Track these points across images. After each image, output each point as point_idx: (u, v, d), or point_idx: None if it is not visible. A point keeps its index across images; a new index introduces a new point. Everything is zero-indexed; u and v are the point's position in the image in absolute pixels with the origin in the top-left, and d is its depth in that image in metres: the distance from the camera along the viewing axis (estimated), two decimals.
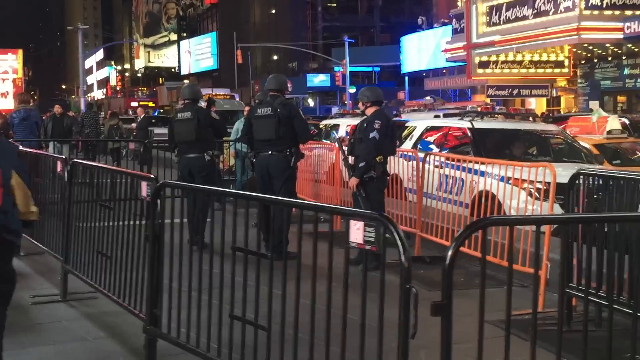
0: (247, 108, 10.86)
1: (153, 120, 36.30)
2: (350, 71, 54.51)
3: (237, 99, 40.86)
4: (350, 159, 8.70)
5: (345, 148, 9.01)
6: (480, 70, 32.15)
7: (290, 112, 9.09)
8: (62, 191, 7.18)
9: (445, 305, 3.22)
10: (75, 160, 7.34)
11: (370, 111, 8.58)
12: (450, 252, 3.27)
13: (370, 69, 63.92)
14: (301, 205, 4.03)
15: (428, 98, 30.54)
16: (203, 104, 10.72)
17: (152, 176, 5.35)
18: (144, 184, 5.32)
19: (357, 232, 3.44)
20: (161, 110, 74.37)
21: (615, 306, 5.08)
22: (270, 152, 9.05)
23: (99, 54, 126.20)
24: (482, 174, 9.09)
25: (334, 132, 10.83)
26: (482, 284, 3.40)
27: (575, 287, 6.04)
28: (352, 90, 50.26)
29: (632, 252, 5.51)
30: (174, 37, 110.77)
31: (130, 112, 50.91)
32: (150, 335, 5.06)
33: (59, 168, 7.25)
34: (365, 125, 8.45)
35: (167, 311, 4.98)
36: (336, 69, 57.65)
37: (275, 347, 4.05)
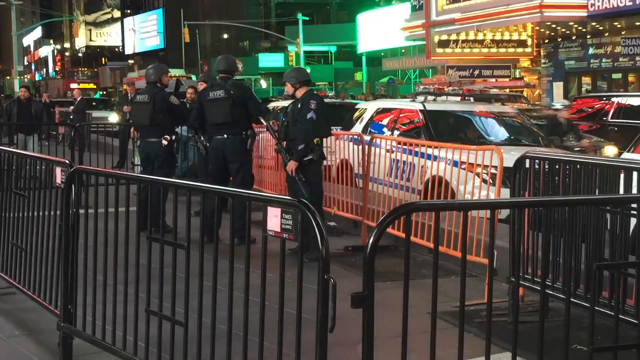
0: (201, 85, 10.80)
1: (94, 103, 36.02)
2: (304, 51, 54.38)
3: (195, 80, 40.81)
4: (284, 144, 8.68)
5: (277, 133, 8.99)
6: (439, 50, 32.21)
7: (244, 94, 9.30)
8: None
9: (367, 296, 3.19)
10: None
11: (301, 92, 8.60)
12: (371, 240, 3.24)
13: (326, 48, 63.84)
14: (213, 191, 3.97)
15: (451, 73, 28.19)
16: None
17: (67, 161, 5.24)
18: (58, 170, 5.22)
19: (274, 219, 3.39)
20: (103, 93, 73.58)
21: (574, 300, 5.14)
22: (225, 136, 9.19)
23: (37, 32, 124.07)
24: (433, 158, 9.10)
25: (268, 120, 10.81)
26: (406, 273, 3.38)
27: (522, 277, 6.07)
28: (308, 70, 50.09)
29: (588, 239, 5.57)
30: (117, 14, 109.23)
31: (69, 95, 50.18)
32: (64, 332, 4.98)
33: None
34: (299, 106, 8.44)
35: (83, 307, 4.90)
36: (290, 48, 57.43)
37: (194, 343, 4.01)
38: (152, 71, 10.38)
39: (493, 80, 29.74)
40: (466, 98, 12.71)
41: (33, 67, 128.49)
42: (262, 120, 9.98)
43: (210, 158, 9.50)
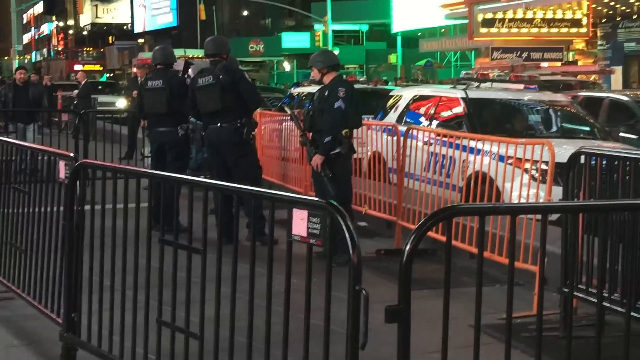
0: None
1: (100, 87, 36.25)
2: (333, 30, 54.27)
3: None
4: (309, 135, 8.69)
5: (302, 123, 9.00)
6: (483, 30, 32.05)
7: (234, 77, 9.32)
8: None
9: (402, 309, 3.18)
10: None
11: (329, 78, 8.59)
12: (408, 247, 3.24)
13: (357, 27, 63.65)
14: (236, 191, 3.99)
15: (513, 56, 26.67)
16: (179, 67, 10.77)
17: (71, 155, 5.28)
18: (61, 164, 5.27)
19: (300, 223, 3.40)
20: (110, 75, 73.95)
21: (635, 314, 5.07)
22: (219, 125, 9.26)
23: (38, 8, 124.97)
24: (476, 152, 9.06)
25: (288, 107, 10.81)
26: (446, 282, 3.37)
27: (575, 286, 6.02)
28: (336, 52, 50.03)
29: None
30: None
31: (73, 77, 50.54)
32: (67, 343, 5.02)
33: None
34: (327, 93, 8.43)
35: (88, 315, 4.94)
36: (316, 27, 57.37)
37: (210, 357, 4.03)
38: (159, 53, 10.45)
39: (558, 64, 29.46)
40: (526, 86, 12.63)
41: (33, 46, 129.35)
42: (286, 109, 9.99)
43: (207, 149, 9.68)
